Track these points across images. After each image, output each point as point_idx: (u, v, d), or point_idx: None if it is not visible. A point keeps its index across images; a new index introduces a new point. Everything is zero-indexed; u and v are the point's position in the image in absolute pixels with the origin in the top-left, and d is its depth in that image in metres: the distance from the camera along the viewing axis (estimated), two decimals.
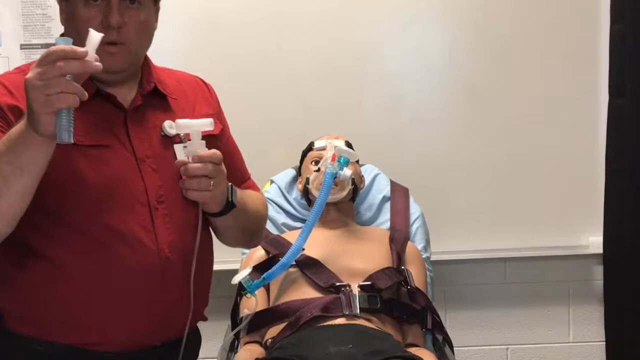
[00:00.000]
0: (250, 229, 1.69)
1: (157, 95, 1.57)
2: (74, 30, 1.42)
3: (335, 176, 1.97)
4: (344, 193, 2.16)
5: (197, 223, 1.53)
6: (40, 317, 1.45)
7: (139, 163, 1.49)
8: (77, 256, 1.43)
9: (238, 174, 1.71)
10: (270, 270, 1.90)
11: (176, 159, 1.51)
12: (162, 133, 1.53)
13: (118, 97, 1.50)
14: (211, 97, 1.71)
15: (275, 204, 2.38)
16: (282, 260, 1.90)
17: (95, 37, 1.27)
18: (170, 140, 1.53)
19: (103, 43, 1.33)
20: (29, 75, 1.21)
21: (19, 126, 1.27)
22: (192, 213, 1.54)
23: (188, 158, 1.47)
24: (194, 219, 1.54)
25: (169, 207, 1.50)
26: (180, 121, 1.50)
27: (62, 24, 1.50)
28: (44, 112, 1.21)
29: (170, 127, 1.53)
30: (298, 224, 2.32)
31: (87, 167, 1.43)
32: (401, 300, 2.06)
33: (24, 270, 1.44)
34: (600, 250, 2.72)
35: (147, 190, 1.48)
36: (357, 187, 2.24)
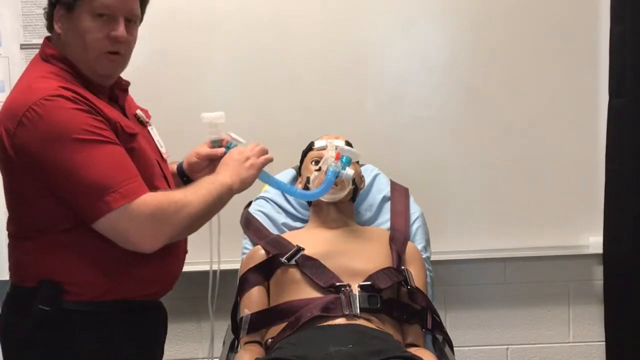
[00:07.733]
0: None
1: None
2: (80, 40, 1.62)
3: (337, 175, 1.97)
4: (344, 193, 2.16)
5: None
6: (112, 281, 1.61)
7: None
8: None
9: None
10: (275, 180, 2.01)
11: (153, 140, 1.82)
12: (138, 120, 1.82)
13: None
14: None
15: (275, 204, 2.37)
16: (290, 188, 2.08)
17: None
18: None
19: (106, 52, 1.62)
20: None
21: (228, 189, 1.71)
22: None
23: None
24: None
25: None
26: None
27: (58, 31, 1.66)
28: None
29: (142, 115, 1.82)
30: (298, 224, 2.32)
31: (146, 149, 1.72)
32: (401, 300, 2.06)
33: (111, 250, 1.59)
34: (600, 250, 2.72)
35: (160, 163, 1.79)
36: (357, 187, 2.23)
